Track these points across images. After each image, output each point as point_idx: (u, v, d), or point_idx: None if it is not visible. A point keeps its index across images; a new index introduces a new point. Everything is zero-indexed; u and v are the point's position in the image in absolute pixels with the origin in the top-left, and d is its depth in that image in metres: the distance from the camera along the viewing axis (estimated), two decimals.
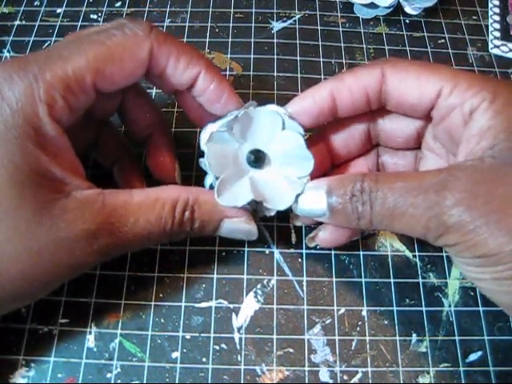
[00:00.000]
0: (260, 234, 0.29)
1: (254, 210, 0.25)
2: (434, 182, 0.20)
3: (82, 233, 0.20)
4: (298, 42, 0.37)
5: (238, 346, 0.26)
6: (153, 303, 0.27)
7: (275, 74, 0.36)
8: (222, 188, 0.24)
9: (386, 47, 0.37)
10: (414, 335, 0.26)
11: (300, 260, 0.29)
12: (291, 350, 0.26)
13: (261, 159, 0.25)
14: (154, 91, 0.34)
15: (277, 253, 0.29)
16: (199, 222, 0.24)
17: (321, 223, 0.26)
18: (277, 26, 0.38)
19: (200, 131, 0.25)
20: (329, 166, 0.27)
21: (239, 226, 0.24)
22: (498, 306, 0.22)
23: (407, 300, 0.27)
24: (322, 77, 0.36)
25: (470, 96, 0.21)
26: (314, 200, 0.23)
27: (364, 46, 0.37)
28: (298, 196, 0.24)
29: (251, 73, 0.36)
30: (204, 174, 0.25)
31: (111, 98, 0.26)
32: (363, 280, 0.28)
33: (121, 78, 0.23)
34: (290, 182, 0.24)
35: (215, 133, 0.24)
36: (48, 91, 0.20)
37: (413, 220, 0.20)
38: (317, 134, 0.27)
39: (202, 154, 0.25)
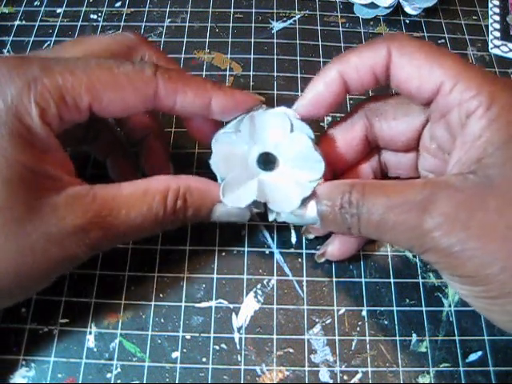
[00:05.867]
0: (260, 233, 0.29)
1: (264, 212, 0.25)
2: (417, 200, 0.20)
3: (73, 228, 0.20)
4: (297, 41, 0.37)
5: (238, 346, 0.26)
6: (153, 303, 0.27)
7: (275, 74, 0.36)
8: (227, 189, 0.24)
9: None
10: (414, 335, 0.26)
11: (300, 260, 0.29)
12: (291, 350, 0.26)
13: (271, 162, 0.25)
14: None
15: (277, 253, 0.29)
16: (192, 208, 0.24)
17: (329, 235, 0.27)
18: (277, 26, 0.38)
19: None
20: (330, 178, 0.27)
21: (231, 209, 0.24)
22: None
23: (407, 300, 0.27)
24: None
25: (468, 98, 0.21)
26: (304, 207, 0.23)
27: None
28: (304, 200, 0.23)
29: (251, 73, 0.36)
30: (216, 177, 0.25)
31: None
32: (363, 280, 0.28)
33: (119, 109, 0.22)
34: (298, 186, 0.24)
35: (221, 133, 0.24)
36: (43, 94, 0.20)
37: (397, 236, 0.21)
38: None
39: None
